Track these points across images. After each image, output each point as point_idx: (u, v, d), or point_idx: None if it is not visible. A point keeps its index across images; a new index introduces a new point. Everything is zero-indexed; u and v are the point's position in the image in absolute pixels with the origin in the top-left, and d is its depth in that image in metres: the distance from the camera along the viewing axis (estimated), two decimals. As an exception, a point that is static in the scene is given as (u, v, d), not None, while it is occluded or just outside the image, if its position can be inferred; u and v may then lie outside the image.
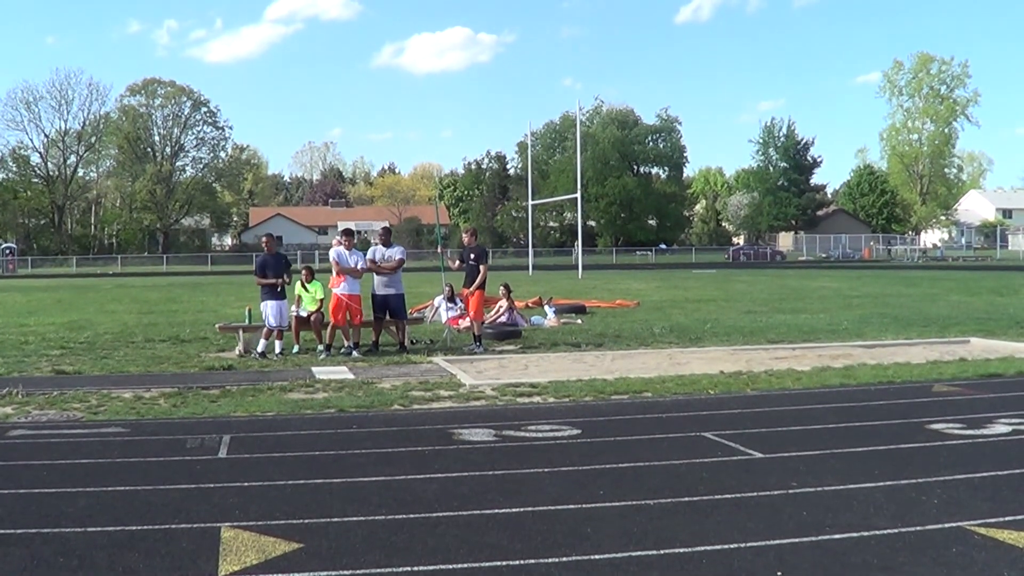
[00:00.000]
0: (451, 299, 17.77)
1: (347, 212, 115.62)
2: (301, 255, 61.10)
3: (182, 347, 15.51)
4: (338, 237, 14.86)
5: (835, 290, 31.57)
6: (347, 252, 14.36)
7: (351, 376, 12.00)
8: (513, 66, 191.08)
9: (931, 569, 4.77)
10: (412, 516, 5.76)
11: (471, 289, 14.85)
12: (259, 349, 14.07)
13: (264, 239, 15.19)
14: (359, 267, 14.33)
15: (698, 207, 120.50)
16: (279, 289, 14.20)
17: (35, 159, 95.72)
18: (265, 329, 14.20)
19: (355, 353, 13.95)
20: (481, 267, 14.86)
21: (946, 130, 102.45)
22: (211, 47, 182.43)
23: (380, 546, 5.18)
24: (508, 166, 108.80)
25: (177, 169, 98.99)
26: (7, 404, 10.05)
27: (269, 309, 14.12)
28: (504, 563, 4.89)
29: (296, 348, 14.51)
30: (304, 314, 14.68)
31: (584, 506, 5.98)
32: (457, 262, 15.55)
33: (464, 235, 15.73)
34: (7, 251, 76.51)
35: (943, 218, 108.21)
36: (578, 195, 52.13)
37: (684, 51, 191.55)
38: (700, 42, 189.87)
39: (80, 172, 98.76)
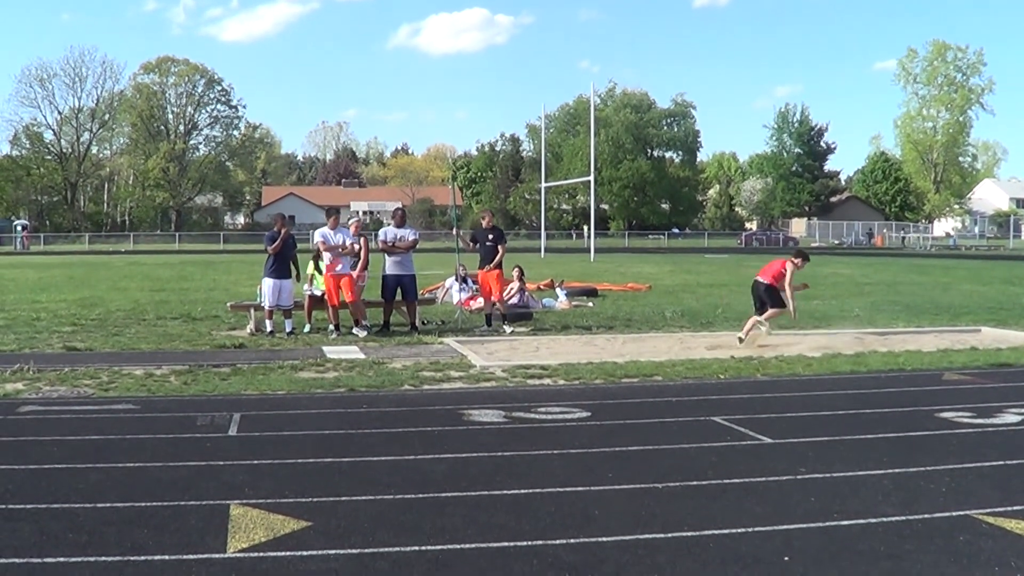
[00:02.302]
0: (463, 280, 17.76)
1: (360, 192, 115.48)
2: (313, 235, 60.95)
3: (193, 325, 15.57)
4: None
5: (847, 277, 31.45)
6: (331, 232, 14.34)
7: (362, 356, 12.02)
8: (530, 48, 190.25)
9: (938, 557, 4.76)
10: (421, 496, 5.78)
11: (490, 266, 14.87)
12: (268, 328, 14.11)
13: (277, 219, 15.11)
14: (347, 243, 14.30)
15: (711, 192, 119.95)
16: (281, 267, 14.25)
17: (48, 136, 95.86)
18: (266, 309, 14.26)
19: (355, 330, 13.93)
20: (499, 247, 14.95)
21: (961, 118, 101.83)
22: (227, 25, 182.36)
23: (388, 525, 5.19)
24: (522, 148, 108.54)
25: (190, 147, 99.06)
26: (18, 380, 10.11)
27: (266, 287, 14.16)
28: (512, 544, 4.90)
29: (308, 327, 14.52)
30: (318, 293, 14.72)
31: (592, 488, 5.99)
32: (472, 243, 15.59)
33: (483, 218, 15.82)
34: (21, 228, 76.78)
35: (956, 207, 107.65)
36: (591, 178, 51.97)
37: (701, 35, 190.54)
38: (718, 26, 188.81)
39: (93, 150, 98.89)
